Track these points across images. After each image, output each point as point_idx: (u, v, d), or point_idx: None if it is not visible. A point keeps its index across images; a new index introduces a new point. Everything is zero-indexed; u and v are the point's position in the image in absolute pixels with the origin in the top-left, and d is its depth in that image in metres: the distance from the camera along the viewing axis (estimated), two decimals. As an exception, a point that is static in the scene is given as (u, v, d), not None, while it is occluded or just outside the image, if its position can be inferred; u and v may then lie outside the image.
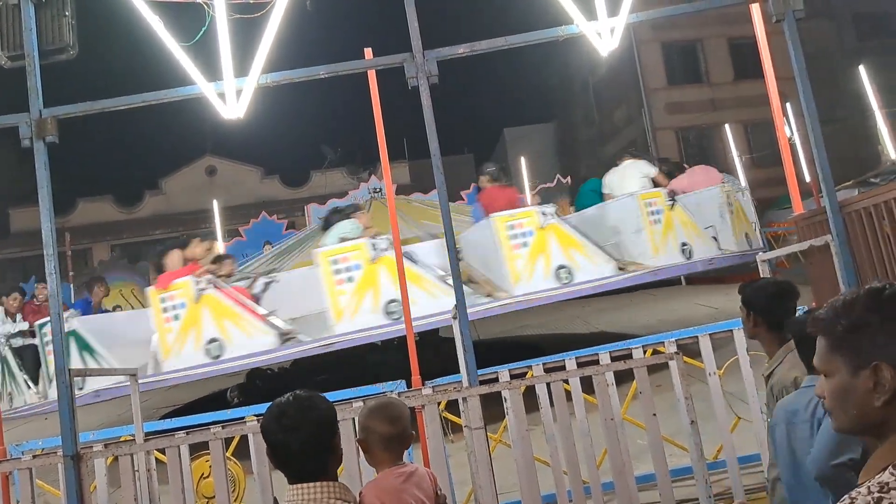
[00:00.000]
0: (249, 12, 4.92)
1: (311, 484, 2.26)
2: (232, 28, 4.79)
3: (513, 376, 5.25)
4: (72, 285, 18.60)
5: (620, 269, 8.39)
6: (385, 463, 2.75)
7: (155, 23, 4.72)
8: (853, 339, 1.47)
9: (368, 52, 5.79)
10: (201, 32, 4.72)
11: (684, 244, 8.71)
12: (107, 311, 11.17)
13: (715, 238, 9.25)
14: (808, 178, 15.80)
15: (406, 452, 4.95)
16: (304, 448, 2.25)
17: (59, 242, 20.88)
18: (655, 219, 8.65)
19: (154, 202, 30.63)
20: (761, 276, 5.42)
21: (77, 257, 24.87)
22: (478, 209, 9.79)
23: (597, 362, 5.16)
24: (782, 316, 3.15)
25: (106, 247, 28.45)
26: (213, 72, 4.81)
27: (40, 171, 4.51)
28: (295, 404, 2.28)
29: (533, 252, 8.08)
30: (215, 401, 11.37)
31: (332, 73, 4.74)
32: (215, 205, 17.87)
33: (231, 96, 4.65)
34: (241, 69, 4.78)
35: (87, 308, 10.19)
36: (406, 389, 5.46)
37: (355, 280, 7.87)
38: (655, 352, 5.48)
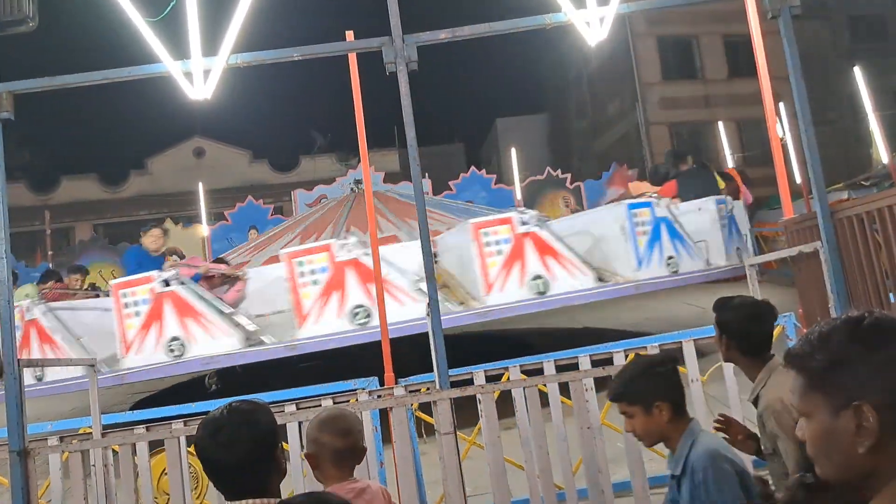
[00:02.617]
0: (222, -12, 4.68)
1: (251, 501, 2.07)
2: (202, 3, 4.56)
3: (488, 377, 5.07)
4: (50, 265, 18.30)
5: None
6: (334, 479, 2.56)
7: (121, -4, 4.48)
8: (831, 375, 1.28)
9: (350, 34, 5.58)
10: (169, 7, 4.49)
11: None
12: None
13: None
14: (798, 179, 15.69)
15: (377, 457, 4.81)
16: (241, 464, 2.07)
17: (39, 220, 20.57)
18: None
19: (139, 182, 30.22)
20: (749, 281, 5.26)
21: (58, 236, 24.57)
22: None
23: (576, 366, 4.99)
24: (758, 339, 2.93)
25: (88, 226, 28.05)
26: (182, 50, 4.57)
27: (-7, 150, 4.27)
28: (231, 418, 2.09)
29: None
30: (191, 387, 11.17)
31: (306, 56, 4.51)
32: (201, 187, 17.61)
33: (199, 76, 4.41)
34: (213, 48, 4.55)
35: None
36: (378, 387, 5.28)
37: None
38: (638, 356, 5.30)
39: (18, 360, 4.08)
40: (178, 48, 4.59)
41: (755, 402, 2.90)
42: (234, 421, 2.11)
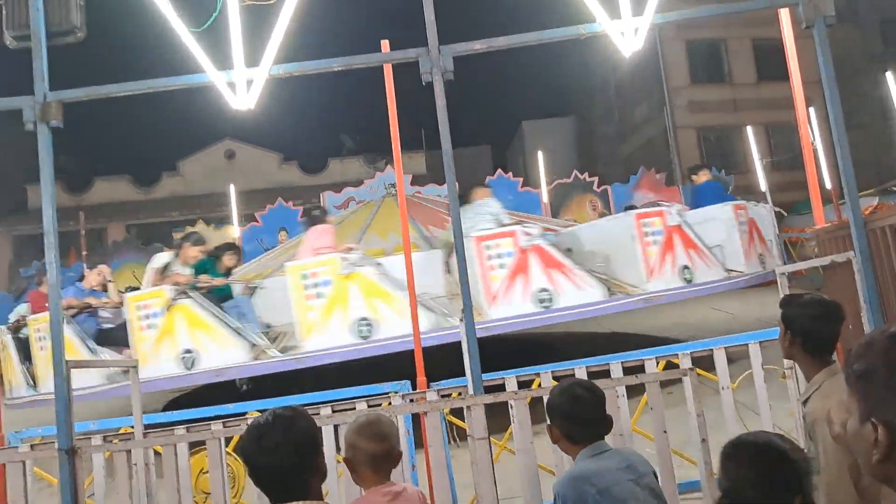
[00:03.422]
0: None
1: None
2: (244, 15, 4.67)
3: (520, 383, 5.14)
4: (85, 265, 18.61)
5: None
6: (371, 482, 2.64)
7: (165, 6, 4.60)
8: (862, 385, 1.34)
9: (385, 44, 5.67)
10: (212, 18, 4.60)
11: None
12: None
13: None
14: (829, 185, 15.54)
15: (409, 460, 4.88)
16: (284, 469, 2.16)
17: (74, 221, 20.88)
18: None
19: (171, 183, 30.63)
20: (780, 289, 5.28)
21: (91, 236, 24.93)
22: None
23: (607, 372, 5.04)
24: (824, 339, 2.90)
25: (121, 227, 28.47)
26: (223, 59, 4.68)
27: (43, 157, 4.41)
28: (275, 425, 2.18)
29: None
30: (221, 387, 11.32)
31: (346, 67, 4.61)
32: (232, 189, 17.79)
33: (241, 86, 4.52)
34: (254, 57, 4.65)
35: (79, 294, 9.93)
36: (410, 391, 5.36)
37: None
38: (669, 363, 5.35)
39: (66, 361, 4.21)
40: (219, 57, 4.70)
41: (805, 402, 2.91)
42: (277, 427, 2.19)
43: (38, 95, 4.42)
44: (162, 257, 8.88)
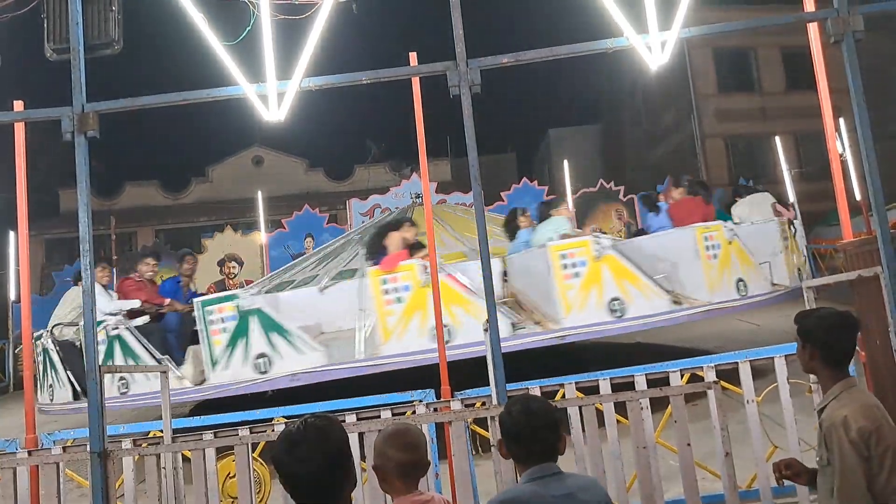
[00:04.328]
0: (294, 14, 4.88)
1: None
2: (276, 28, 4.76)
3: (543, 393, 5.16)
4: (115, 269, 18.86)
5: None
6: (400, 491, 2.68)
7: (199, 20, 4.71)
8: None
9: (413, 56, 5.73)
10: (245, 32, 4.70)
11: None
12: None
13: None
14: (857, 196, 15.39)
15: (433, 469, 4.93)
16: (316, 477, 2.20)
17: (104, 225, 21.15)
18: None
19: (200, 189, 30.98)
20: (806, 302, 5.26)
21: (121, 240, 25.28)
22: (662, 218, 9.65)
23: (632, 384, 5.06)
24: (842, 350, 2.95)
25: (150, 231, 28.83)
26: (254, 71, 4.77)
27: (80, 167, 4.52)
28: (307, 434, 2.22)
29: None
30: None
31: (374, 80, 4.68)
32: (260, 195, 17.96)
33: (273, 99, 4.61)
34: (284, 70, 4.75)
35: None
36: (435, 400, 5.41)
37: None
38: (693, 376, 5.35)
39: (99, 366, 4.31)
40: (248, 69, 4.80)
41: (821, 411, 2.95)
42: (309, 437, 2.23)
43: (76, 106, 4.53)
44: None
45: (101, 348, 8.27)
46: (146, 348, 8.47)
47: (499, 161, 35.70)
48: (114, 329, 8.49)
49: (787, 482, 3.38)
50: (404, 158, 30.22)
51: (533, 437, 2.68)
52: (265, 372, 7.75)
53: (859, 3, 4.74)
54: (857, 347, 5.39)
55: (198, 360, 8.28)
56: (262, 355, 7.79)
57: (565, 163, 19.94)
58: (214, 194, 30.29)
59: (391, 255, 8.15)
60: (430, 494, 2.78)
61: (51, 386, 9.23)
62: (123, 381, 8.38)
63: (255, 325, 7.85)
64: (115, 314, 8.75)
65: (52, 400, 9.22)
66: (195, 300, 8.34)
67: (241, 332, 7.88)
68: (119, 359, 8.32)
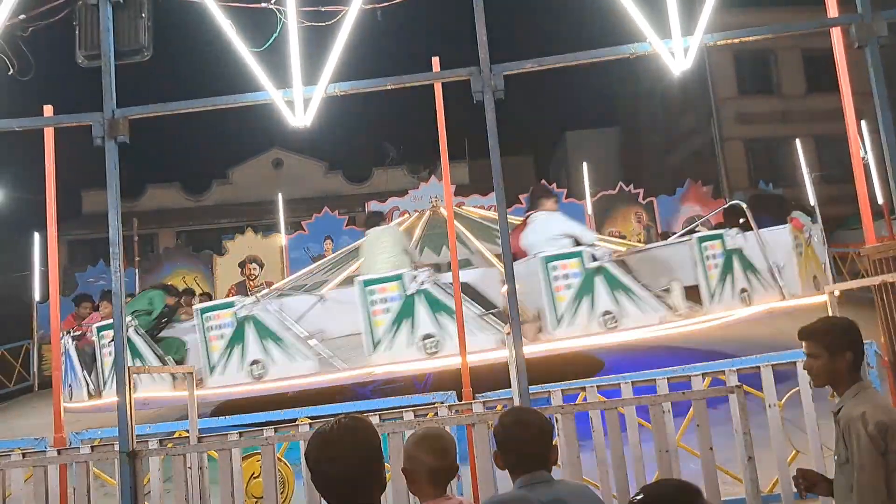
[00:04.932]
0: (320, 20, 4.94)
1: None
2: (302, 35, 4.82)
3: (564, 396, 5.19)
4: (136, 270, 19.08)
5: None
6: (430, 495, 2.71)
7: (227, 27, 4.78)
8: None
9: (436, 61, 5.78)
10: (272, 39, 4.77)
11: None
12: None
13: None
14: (880, 200, 15.24)
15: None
16: (347, 477, 2.22)
17: (127, 227, 21.33)
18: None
19: (221, 191, 31.22)
20: (829, 308, 5.25)
21: (143, 242, 25.47)
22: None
23: (653, 387, 5.07)
24: (864, 353, 3.08)
25: (171, 233, 29.09)
26: (281, 77, 4.84)
27: (110, 171, 4.61)
28: (339, 433, 2.26)
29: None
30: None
31: (398, 85, 4.73)
32: (280, 197, 18.09)
33: (299, 105, 4.67)
34: (309, 76, 4.81)
35: None
36: (457, 402, 5.45)
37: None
38: (715, 379, 5.35)
39: (128, 367, 4.39)
40: (274, 74, 4.86)
41: (838, 411, 3.00)
42: (340, 437, 2.27)
43: (107, 112, 4.62)
44: None
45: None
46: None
47: (516, 163, 35.61)
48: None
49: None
50: (422, 160, 30.25)
51: (525, 446, 2.73)
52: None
53: (881, 8, 4.73)
54: (878, 351, 5.41)
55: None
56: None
57: (584, 165, 19.91)
58: (235, 196, 30.50)
59: None
60: (458, 498, 2.81)
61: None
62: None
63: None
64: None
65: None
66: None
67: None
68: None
